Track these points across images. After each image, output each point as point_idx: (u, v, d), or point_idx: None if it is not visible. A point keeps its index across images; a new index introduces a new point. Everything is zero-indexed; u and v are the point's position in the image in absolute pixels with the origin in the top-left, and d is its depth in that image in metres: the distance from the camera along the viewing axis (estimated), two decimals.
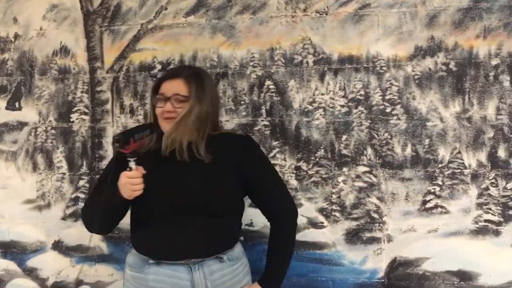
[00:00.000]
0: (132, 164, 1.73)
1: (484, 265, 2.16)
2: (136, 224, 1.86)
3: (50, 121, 2.51)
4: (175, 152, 1.80)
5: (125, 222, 2.49)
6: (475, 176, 2.19)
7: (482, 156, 2.18)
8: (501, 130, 2.16)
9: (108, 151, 2.46)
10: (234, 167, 1.83)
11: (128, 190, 1.73)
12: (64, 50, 2.51)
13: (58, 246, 2.51)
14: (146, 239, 1.80)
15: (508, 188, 2.14)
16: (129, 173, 1.73)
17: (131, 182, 1.72)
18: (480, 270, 2.17)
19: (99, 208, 1.82)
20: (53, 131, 2.51)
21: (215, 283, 1.79)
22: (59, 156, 2.51)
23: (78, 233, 2.49)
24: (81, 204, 2.46)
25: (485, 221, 2.17)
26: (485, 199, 2.17)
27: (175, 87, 1.81)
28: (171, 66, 2.38)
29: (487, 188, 2.17)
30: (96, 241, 2.47)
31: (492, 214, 2.16)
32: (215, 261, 1.80)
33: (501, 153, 2.16)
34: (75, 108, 2.49)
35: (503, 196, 2.15)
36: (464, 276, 2.18)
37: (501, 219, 2.15)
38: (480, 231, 2.17)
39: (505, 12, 2.16)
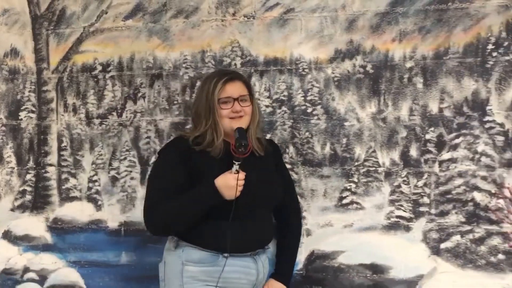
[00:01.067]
0: (237, 167, 1.90)
1: (396, 259, 2.24)
2: (204, 223, 1.96)
3: (0, 118, 2.69)
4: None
5: (62, 214, 2.65)
6: (388, 174, 2.27)
7: (395, 155, 2.26)
8: (413, 130, 2.24)
9: (53, 147, 2.63)
10: (274, 164, 2.17)
11: (233, 191, 1.89)
12: (14, 52, 2.67)
13: (8, 235, 2.68)
14: (220, 235, 1.93)
15: (419, 185, 2.23)
16: (239, 176, 1.89)
17: (240, 184, 1.90)
18: (391, 264, 2.24)
19: (188, 209, 1.93)
20: (3, 128, 2.68)
21: (266, 271, 2.09)
22: (8, 152, 2.67)
23: (25, 224, 2.65)
24: (28, 197, 2.62)
25: (397, 217, 2.25)
26: (397, 196, 2.25)
27: (238, 89, 2.05)
28: (112, 68, 2.52)
29: (399, 186, 2.25)
30: (41, 232, 2.64)
31: (404, 211, 2.24)
32: (264, 251, 2.09)
33: (413, 152, 2.24)
34: (23, 107, 2.66)
35: (414, 194, 2.23)
36: (377, 269, 2.27)
37: (412, 216, 2.23)
38: (392, 227, 2.26)
39: (419, 16, 2.24)
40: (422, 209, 2.22)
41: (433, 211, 2.21)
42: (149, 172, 2.28)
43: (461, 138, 2.20)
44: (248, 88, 2.09)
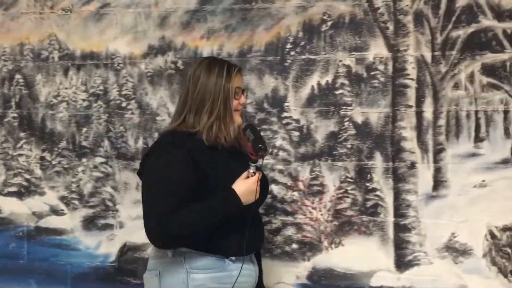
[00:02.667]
0: (254, 168, 1.75)
1: None
2: None
3: None
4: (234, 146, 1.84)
5: None
6: None
7: None
8: None
9: None
10: None
11: (253, 196, 1.74)
12: None
13: None
14: (227, 238, 1.76)
15: None
16: (256, 178, 1.74)
17: (258, 187, 1.76)
18: None
19: (210, 220, 1.70)
20: None
21: (257, 275, 1.90)
22: None
23: None
24: None
25: None
26: None
27: (242, 81, 1.89)
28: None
29: None
30: None
31: None
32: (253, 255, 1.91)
33: None
34: None
35: None
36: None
37: None
38: None
39: (226, 15, 2.31)
40: None
41: None
42: (148, 176, 1.77)
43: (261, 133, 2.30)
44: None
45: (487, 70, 2.12)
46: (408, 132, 2.18)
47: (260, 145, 1.72)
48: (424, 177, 2.16)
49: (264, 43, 2.29)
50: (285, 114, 2.26)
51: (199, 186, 1.72)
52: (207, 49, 2.32)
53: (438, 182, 2.15)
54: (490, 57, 2.13)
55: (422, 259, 2.15)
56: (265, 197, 1.96)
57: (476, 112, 2.14)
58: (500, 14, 2.11)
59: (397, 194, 2.18)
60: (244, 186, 1.74)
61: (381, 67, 2.21)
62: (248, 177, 1.75)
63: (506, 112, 2.11)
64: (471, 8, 2.14)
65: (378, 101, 2.21)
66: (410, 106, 2.18)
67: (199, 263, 1.75)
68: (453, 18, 2.14)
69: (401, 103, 2.19)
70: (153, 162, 1.75)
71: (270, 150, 2.22)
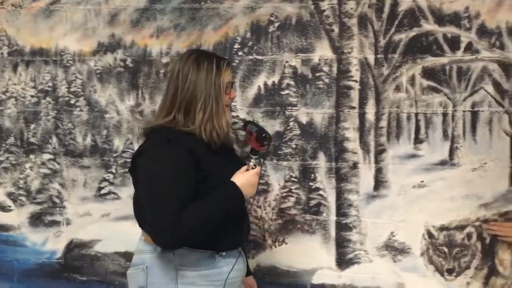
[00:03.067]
0: (255, 161, 1.75)
1: None
2: None
3: None
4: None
5: None
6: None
7: None
8: None
9: None
10: None
11: (255, 189, 1.73)
12: None
13: None
14: (217, 233, 1.70)
15: None
16: (257, 171, 1.73)
17: (258, 179, 1.74)
18: None
19: (216, 216, 1.67)
20: None
21: (245, 265, 1.89)
22: None
23: None
24: None
25: None
26: None
27: (230, 74, 1.84)
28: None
29: None
30: None
31: None
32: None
33: None
34: None
35: None
36: (130, 257, 2.33)
37: None
38: None
39: (175, 14, 2.32)
40: None
41: None
42: (149, 175, 1.68)
43: None
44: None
45: (428, 73, 2.17)
46: (351, 133, 2.23)
47: (264, 134, 1.75)
48: (365, 177, 2.20)
49: (212, 43, 2.30)
50: (232, 114, 2.30)
51: (200, 186, 1.68)
52: (156, 47, 2.32)
53: (379, 182, 2.20)
54: (430, 61, 2.18)
55: (362, 258, 2.20)
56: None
57: (416, 114, 2.18)
58: (440, 19, 2.16)
59: (340, 194, 2.22)
60: (245, 179, 1.72)
61: (326, 68, 2.24)
62: (247, 170, 1.75)
63: (444, 115, 2.17)
64: (413, 12, 2.18)
65: (322, 102, 2.25)
66: (353, 108, 2.22)
67: (189, 260, 1.71)
68: (396, 22, 2.19)
69: (345, 104, 2.23)
70: (151, 160, 1.68)
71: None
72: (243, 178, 1.71)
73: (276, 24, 2.26)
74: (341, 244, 2.22)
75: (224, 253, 1.75)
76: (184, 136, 1.71)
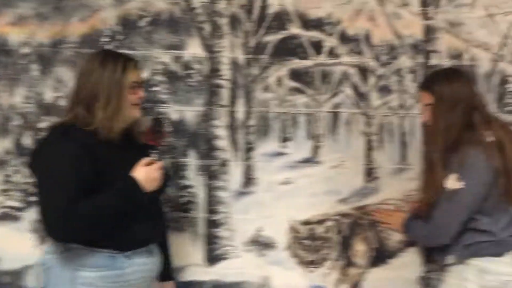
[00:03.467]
0: (155, 156, 1.76)
1: (4, 249, 2.18)
2: None
3: None
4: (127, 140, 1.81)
5: None
6: (1, 163, 2.22)
7: (8, 143, 2.21)
8: (27, 118, 2.20)
9: None
10: None
11: (156, 183, 1.73)
12: None
13: None
14: (120, 232, 1.69)
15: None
16: (159, 165, 1.74)
17: (161, 173, 1.74)
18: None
19: (113, 210, 1.66)
20: None
21: (159, 264, 1.87)
22: None
23: None
24: None
25: (7, 207, 2.21)
26: (8, 186, 2.20)
27: (139, 75, 1.86)
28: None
29: (10, 175, 2.22)
30: None
31: (14, 200, 2.21)
32: (155, 245, 1.87)
33: (27, 140, 2.21)
34: None
35: (25, 183, 2.20)
36: None
37: (23, 205, 2.20)
38: (2, 217, 2.20)
39: (37, 2, 2.18)
40: (32, 198, 2.19)
41: None
42: (42, 170, 1.69)
43: None
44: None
45: (294, 75, 2.28)
46: (221, 131, 2.26)
47: (157, 129, 1.79)
48: (234, 174, 2.25)
49: (79, 34, 2.21)
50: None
51: (96, 182, 1.67)
52: (15, 36, 2.17)
53: (247, 180, 2.26)
54: (296, 63, 2.28)
55: (230, 253, 2.24)
56: (163, 189, 1.90)
57: (283, 114, 2.29)
58: (306, 23, 2.28)
59: (209, 191, 2.26)
60: (145, 173, 1.71)
61: (197, 66, 2.25)
62: (148, 164, 1.74)
63: (309, 115, 2.28)
64: (281, 16, 2.27)
65: (193, 100, 2.26)
66: (224, 106, 2.26)
67: (89, 261, 1.69)
68: (265, 24, 2.27)
69: (215, 103, 2.26)
70: (46, 155, 1.69)
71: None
72: (142, 172, 1.71)
73: (147, 19, 2.23)
74: (210, 241, 2.25)
75: (128, 253, 1.73)
76: (80, 131, 1.71)
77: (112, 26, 2.20)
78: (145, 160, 1.74)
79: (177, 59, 2.23)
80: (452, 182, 1.88)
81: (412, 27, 2.29)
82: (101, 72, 1.75)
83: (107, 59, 1.79)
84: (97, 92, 1.74)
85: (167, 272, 1.98)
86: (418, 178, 2.06)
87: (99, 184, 1.67)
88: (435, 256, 2.14)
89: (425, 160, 1.99)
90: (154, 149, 1.79)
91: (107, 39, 2.20)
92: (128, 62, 1.80)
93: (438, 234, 1.93)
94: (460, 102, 1.92)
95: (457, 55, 2.30)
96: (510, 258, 1.92)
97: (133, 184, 1.69)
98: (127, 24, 2.22)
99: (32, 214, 2.16)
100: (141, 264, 1.76)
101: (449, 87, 1.94)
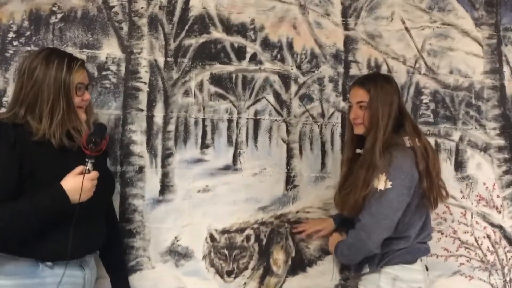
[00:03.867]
0: (90, 166, 1.63)
1: None
2: None
3: None
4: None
5: None
6: None
7: None
8: None
9: None
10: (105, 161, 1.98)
11: (87, 194, 1.62)
12: None
13: None
14: (43, 240, 1.60)
15: None
16: (92, 175, 1.63)
17: (93, 184, 1.63)
18: None
19: (32, 219, 1.55)
20: None
21: (93, 278, 1.78)
22: None
23: None
24: None
25: None
26: None
27: (86, 76, 1.76)
28: None
29: None
30: None
31: None
32: (91, 257, 1.79)
33: None
34: None
35: None
36: None
37: None
38: None
39: None
40: None
41: None
42: None
43: None
44: (88, 76, 1.82)
45: (215, 80, 2.23)
46: (138, 136, 2.16)
47: (92, 138, 1.62)
48: (151, 181, 2.16)
49: None
50: (2, 110, 2.05)
51: (23, 184, 1.59)
52: None
53: (165, 187, 2.17)
54: (218, 68, 2.24)
55: (145, 264, 2.13)
56: (105, 199, 1.82)
57: (204, 119, 2.23)
58: (229, 28, 2.24)
59: (124, 199, 2.14)
60: (75, 183, 1.61)
61: (113, 67, 2.14)
62: (82, 173, 1.62)
63: (230, 121, 2.25)
64: (203, 19, 2.22)
65: (108, 103, 2.14)
66: (142, 110, 2.16)
67: (6, 268, 1.60)
68: (186, 27, 2.20)
69: (133, 106, 2.16)
70: None
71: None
72: (72, 182, 1.61)
73: (59, 15, 2.09)
74: (124, 251, 2.15)
75: (50, 263, 1.62)
76: (14, 129, 1.61)
77: (20, 21, 2.06)
78: (78, 168, 1.63)
79: (92, 59, 2.12)
80: (381, 183, 1.91)
81: (333, 37, 2.32)
82: (44, 72, 1.65)
83: (51, 58, 1.68)
84: (41, 91, 1.64)
85: (116, 279, 1.92)
86: (341, 182, 2.08)
87: (26, 186, 1.59)
88: (351, 265, 2.18)
89: (365, 155, 1.98)
90: (90, 157, 1.64)
91: (13, 35, 2.05)
92: (74, 62, 1.70)
93: (367, 238, 1.91)
94: (393, 103, 1.97)
95: (376, 66, 2.37)
96: (421, 265, 1.99)
97: (60, 193, 1.59)
98: (37, 19, 2.08)
99: None
100: (67, 276, 1.65)
101: (384, 88, 1.98)
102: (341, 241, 2.06)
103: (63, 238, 1.62)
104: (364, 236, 1.92)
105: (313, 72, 2.30)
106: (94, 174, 1.65)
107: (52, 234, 1.62)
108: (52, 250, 1.62)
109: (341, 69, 2.32)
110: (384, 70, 2.36)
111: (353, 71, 2.32)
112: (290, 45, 2.29)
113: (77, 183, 1.60)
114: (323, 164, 2.30)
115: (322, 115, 2.32)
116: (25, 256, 1.61)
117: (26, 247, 1.60)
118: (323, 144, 2.30)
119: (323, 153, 2.30)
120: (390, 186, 1.88)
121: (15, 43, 2.05)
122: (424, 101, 2.40)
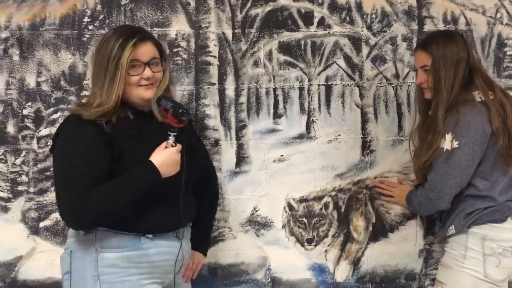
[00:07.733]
0: (173, 138, 1.65)
1: None
2: None
3: None
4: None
5: None
6: None
7: None
8: (10, 105, 2.12)
9: None
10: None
11: (177, 166, 1.66)
12: None
13: None
14: (142, 215, 1.66)
15: (17, 164, 2.14)
16: (177, 148, 1.65)
17: (179, 157, 1.66)
18: None
19: (129, 195, 1.62)
20: None
21: (189, 249, 1.84)
22: None
23: None
24: None
25: None
26: None
27: (150, 51, 1.72)
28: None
29: None
30: None
31: (1, 191, 2.14)
32: (188, 229, 1.83)
33: (10, 128, 2.13)
34: None
35: (12, 172, 2.14)
36: None
37: (10, 195, 2.12)
38: None
39: None
40: (20, 188, 2.12)
41: (31, 189, 2.13)
42: (59, 155, 1.67)
43: (59, 114, 2.13)
44: (159, 49, 1.77)
45: (284, 48, 2.20)
46: (211, 110, 2.19)
47: (181, 110, 1.63)
48: (227, 154, 2.19)
49: (58, 16, 2.12)
50: (84, 93, 2.13)
51: (115, 166, 1.65)
52: None
53: (241, 159, 2.20)
54: (286, 36, 2.20)
55: (226, 234, 2.19)
56: (195, 171, 1.81)
57: (275, 89, 2.22)
58: None
59: None
60: (165, 156, 1.65)
61: (183, 44, 2.17)
62: (166, 147, 1.66)
63: (301, 89, 2.22)
64: None
65: (181, 79, 2.18)
66: (213, 84, 2.19)
67: (111, 242, 1.67)
68: None
69: (204, 81, 2.18)
70: (62, 140, 1.67)
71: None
72: (162, 156, 1.65)
73: None
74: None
75: (150, 235, 1.68)
76: (95, 114, 1.65)
77: (93, 5, 2.13)
78: (164, 143, 1.66)
79: (163, 37, 2.14)
80: (447, 142, 1.84)
81: None
82: (99, 53, 1.70)
83: (107, 38, 1.70)
84: (100, 71, 1.68)
85: (198, 242, 1.94)
86: (414, 142, 2.03)
87: (118, 167, 1.64)
88: (435, 228, 2.11)
89: (430, 120, 1.93)
90: (173, 131, 1.65)
91: (88, 19, 2.13)
92: (126, 40, 1.67)
93: (435, 198, 1.89)
94: (460, 62, 1.88)
95: (453, 20, 2.24)
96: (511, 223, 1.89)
97: (152, 169, 1.63)
98: (109, 2, 2.13)
99: (21, 204, 2.12)
100: (166, 247, 1.72)
101: (447, 48, 1.90)
102: (412, 193, 2.03)
103: (160, 213, 1.69)
104: (432, 196, 1.88)
105: (385, 31, 2.22)
106: (179, 147, 1.68)
107: (149, 210, 1.67)
108: (152, 225, 1.69)
109: (414, 26, 2.22)
110: (462, 23, 2.22)
111: (428, 27, 2.21)
112: (359, 6, 2.20)
113: (166, 157, 1.64)
114: (400, 127, 2.23)
115: (397, 76, 2.24)
116: (128, 231, 1.68)
117: (127, 222, 1.66)
118: (399, 106, 2.23)
119: (400, 115, 2.23)
120: (457, 146, 1.81)
121: (90, 27, 2.11)
122: (508, 53, 2.23)
